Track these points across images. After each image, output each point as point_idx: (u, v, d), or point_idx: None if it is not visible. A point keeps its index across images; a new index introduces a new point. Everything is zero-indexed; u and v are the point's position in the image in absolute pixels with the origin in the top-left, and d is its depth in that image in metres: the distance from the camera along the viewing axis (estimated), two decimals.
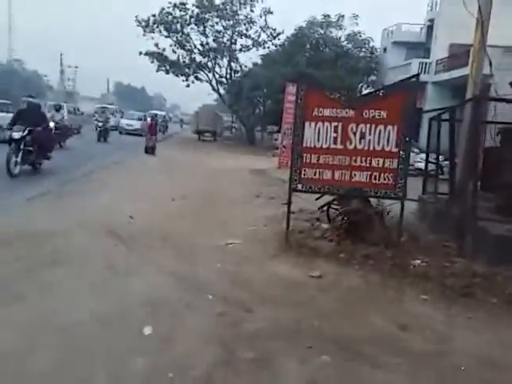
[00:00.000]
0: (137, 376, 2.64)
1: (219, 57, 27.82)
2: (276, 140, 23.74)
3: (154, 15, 25.88)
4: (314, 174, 4.87)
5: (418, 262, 4.71)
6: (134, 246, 5.07)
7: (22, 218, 5.88)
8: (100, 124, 20.30)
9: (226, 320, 3.44)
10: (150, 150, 16.60)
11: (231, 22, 26.74)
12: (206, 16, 26.22)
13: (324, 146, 4.81)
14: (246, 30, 27.17)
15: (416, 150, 11.89)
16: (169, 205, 7.46)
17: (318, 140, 4.80)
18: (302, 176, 4.90)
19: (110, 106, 35.19)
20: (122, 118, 31.38)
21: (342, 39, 22.99)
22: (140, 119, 29.70)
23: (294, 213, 6.27)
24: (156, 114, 24.46)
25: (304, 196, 5.54)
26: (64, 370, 2.66)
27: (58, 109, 16.10)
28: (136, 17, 25.89)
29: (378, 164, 4.73)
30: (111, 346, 2.95)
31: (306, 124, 4.79)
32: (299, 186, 4.95)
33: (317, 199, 5.47)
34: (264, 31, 27.25)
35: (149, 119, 24.92)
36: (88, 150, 15.94)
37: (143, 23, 25.90)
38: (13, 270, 4.07)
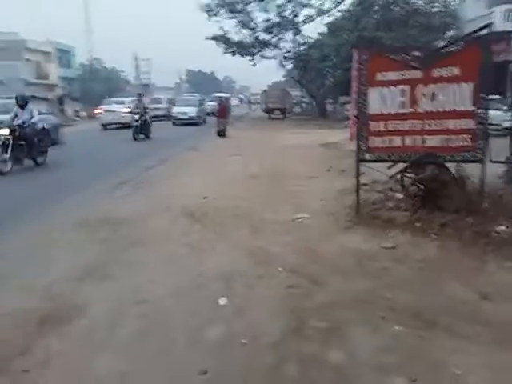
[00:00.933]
0: (212, 342, 2.83)
1: (283, 31, 27.30)
2: (347, 111, 22.98)
3: None
4: (383, 142, 4.67)
5: (503, 228, 4.35)
6: (209, 224, 5.32)
7: (105, 205, 6.45)
8: (136, 117, 15.84)
9: (296, 292, 3.51)
10: (221, 133, 17.08)
11: None
12: None
13: (391, 112, 4.57)
14: None
15: (504, 108, 10.76)
16: (241, 183, 7.65)
17: (385, 106, 4.57)
18: (370, 145, 4.72)
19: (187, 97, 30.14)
20: (174, 104, 26.58)
21: None
22: (197, 105, 25.08)
23: (367, 184, 6.11)
24: (221, 97, 23.02)
25: (376, 166, 5.36)
26: (146, 338, 2.93)
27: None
28: (199, 2, 26.31)
29: (453, 126, 4.40)
30: (189, 316, 3.18)
31: (370, 90, 4.58)
32: (367, 156, 4.79)
33: (389, 168, 5.24)
34: None
35: (212, 103, 25.43)
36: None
37: (206, 8, 26.24)
38: (99, 251, 4.51)
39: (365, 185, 5.97)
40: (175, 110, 24.69)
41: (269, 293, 3.52)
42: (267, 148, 13.10)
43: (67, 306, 3.39)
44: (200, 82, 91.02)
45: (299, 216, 5.39)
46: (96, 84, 41.59)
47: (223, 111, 17.71)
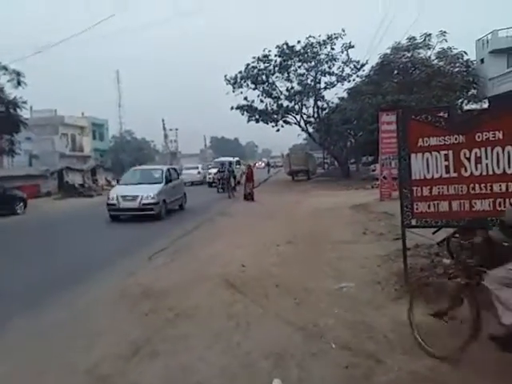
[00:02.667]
0: None
1: (305, 98, 28.47)
2: (374, 171, 23.04)
3: (240, 72, 27.73)
4: (429, 207, 4.56)
5: None
6: (250, 294, 5.18)
7: (145, 275, 6.42)
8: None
9: (355, 372, 3.28)
10: (248, 197, 17.31)
11: (313, 63, 27.42)
12: (289, 63, 27.29)
13: (436, 177, 4.51)
14: (329, 67, 27.60)
15: None
16: (276, 250, 7.55)
17: (428, 171, 4.52)
18: (415, 210, 4.62)
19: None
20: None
21: (432, 58, 22.03)
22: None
23: (410, 249, 5.91)
24: (222, 163, 24.65)
25: (418, 229, 5.20)
26: None
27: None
28: (225, 76, 27.98)
29: (501, 189, 4.28)
30: None
31: (412, 156, 4.57)
32: (413, 222, 4.67)
33: (433, 233, 5.08)
34: (347, 65, 27.44)
35: (214, 170, 26.33)
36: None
37: (232, 81, 27.82)
38: (143, 325, 4.42)
39: (408, 249, 5.77)
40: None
41: (325, 374, 3.30)
42: (296, 211, 13.09)
43: None
44: (223, 147, 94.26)
45: (343, 285, 5.20)
46: (127, 154, 43.54)
47: (250, 175, 18.21)
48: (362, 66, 27.01)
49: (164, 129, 58.15)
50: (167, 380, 3.34)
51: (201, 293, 5.36)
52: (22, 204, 17.41)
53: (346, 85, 27.88)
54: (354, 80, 27.48)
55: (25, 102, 20.42)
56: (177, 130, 60.53)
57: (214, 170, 25.62)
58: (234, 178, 22.66)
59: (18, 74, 19.53)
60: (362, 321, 4.19)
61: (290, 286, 5.36)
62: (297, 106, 28.87)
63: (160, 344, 3.96)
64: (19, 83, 19.55)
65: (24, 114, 21.87)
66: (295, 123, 29.71)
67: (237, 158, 33.48)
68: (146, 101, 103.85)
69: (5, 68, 19.31)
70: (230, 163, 25.76)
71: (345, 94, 28.22)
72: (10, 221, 15.33)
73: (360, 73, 27.22)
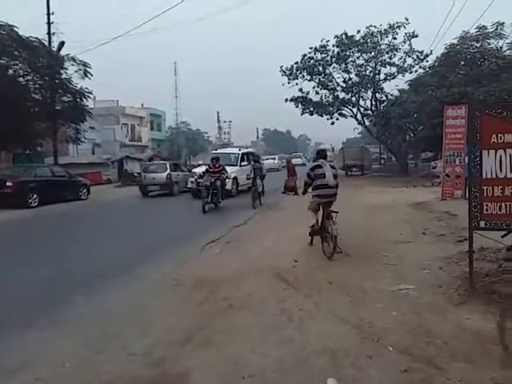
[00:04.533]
0: None
1: (363, 90, 27.59)
2: (434, 168, 21.94)
3: (296, 62, 27.37)
4: (500, 209, 4.25)
5: None
6: (302, 289, 5.12)
7: (199, 264, 6.55)
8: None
9: (414, 377, 3.14)
10: (289, 190, 17.20)
11: (373, 54, 26.48)
12: (347, 53, 26.53)
13: (509, 176, 4.19)
14: (390, 58, 26.52)
15: None
16: None
17: (501, 170, 4.21)
18: (484, 211, 4.32)
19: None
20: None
21: (504, 48, 20.45)
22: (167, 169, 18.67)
23: (474, 252, 5.56)
24: (216, 157, 14.15)
25: (484, 232, 4.87)
26: None
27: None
28: (281, 67, 27.76)
29: None
30: None
31: (484, 153, 4.26)
32: (482, 224, 4.37)
33: (503, 236, 4.74)
34: (409, 56, 26.20)
35: (200, 169, 21.00)
36: None
37: (287, 72, 27.56)
38: (197, 314, 4.50)
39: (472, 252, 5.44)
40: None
41: (382, 377, 3.18)
42: (351, 207, 12.71)
43: (170, 374, 3.34)
44: (275, 140, 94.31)
45: (402, 287, 4.98)
46: (181, 145, 44.80)
47: (291, 169, 18.33)
48: (426, 56, 25.69)
49: (218, 121, 59.13)
50: (219, 369, 3.38)
51: (253, 285, 5.37)
52: (85, 190, 18.47)
53: (408, 76, 26.66)
54: (416, 71, 26.23)
55: (90, 93, 21.42)
56: (230, 122, 61.34)
57: (201, 170, 15.92)
58: (262, 177, 15.73)
59: (85, 64, 20.53)
60: (421, 325, 4.00)
61: (344, 284, 5.24)
62: (354, 98, 28.08)
63: (213, 333, 4.01)
64: (86, 74, 20.56)
65: (89, 104, 22.98)
66: (351, 116, 28.95)
67: (250, 149, 24.43)
68: (202, 93, 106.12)
69: (73, 59, 20.36)
70: (247, 157, 18.13)
71: (405, 86, 27.07)
72: (75, 206, 16.34)
73: (423, 64, 25.92)
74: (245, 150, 20.51)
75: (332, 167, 6.88)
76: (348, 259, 6.42)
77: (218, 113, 58.41)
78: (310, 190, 7.04)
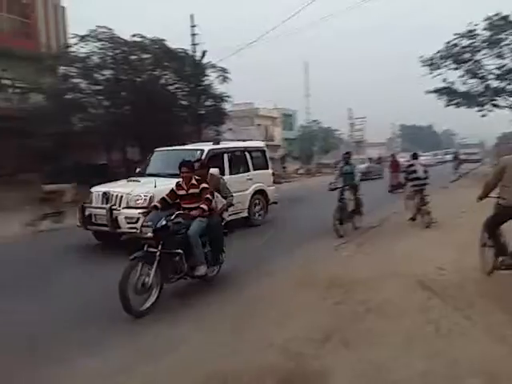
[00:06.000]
0: None
1: None
2: None
3: (438, 51, 25.05)
4: None
5: None
6: (451, 301, 4.60)
7: (332, 264, 6.40)
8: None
9: None
10: (396, 187, 16.03)
11: None
12: (501, 36, 23.27)
13: None
14: None
15: None
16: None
17: None
18: None
19: None
20: None
21: None
22: None
23: None
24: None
25: None
26: None
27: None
28: (420, 57, 25.73)
29: None
30: None
31: None
32: None
33: None
34: None
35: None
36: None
37: (428, 62, 25.40)
38: (333, 315, 4.39)
39: None
40: None
41: None
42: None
43: (308, 370, 3.31)
44: (414, 136, 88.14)
45: None
46: (313, 143, 44.96)
47: (396, 165, 17.81)
48: None
49: (350, 118, 57.67)
50: (361, 373, 3.24)
51: (392, 290, 5.04)
52: None
53: None
54: None
55: (228, 96, 22.94)
56: (364, 118, 59.24)
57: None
58: (355, 187, 9.17)
59: (224, 70, 22.05)
60: None
61: (503, 299, 4.53)
62: (510, 87, 24.49)
63: (350, 336, 3.86)
64: (225, 79, 22.06)
65: (227, 107, 24.58)
66: (508, 106, 25.29)
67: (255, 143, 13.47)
68: (333, 90, 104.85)
69: (213, 66, 22.05)
70: (239, 158, 10.37)
71: None
72: None
73: None
74: (232, 145, 10.96)
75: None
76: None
77: (350, 110, 57.01)
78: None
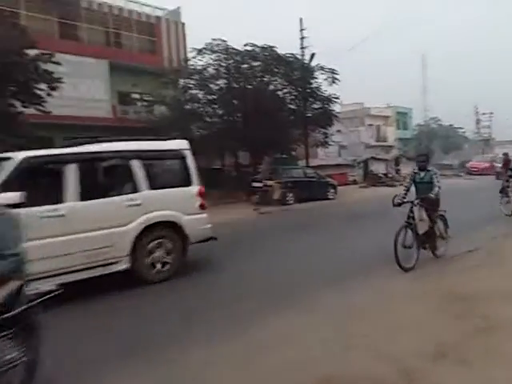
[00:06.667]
0: None
1: None
2: None
3: None
4: None
5: None
6: None
7: (455, 274, 5.84)
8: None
9: None
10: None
11: None
12: None
13: None
14: None
15: None
16: None
17: None
18: None
19: None
20: None
21: None
22: None
23: None
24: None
25: None
26: None
27: None
28: None
29: None
30: None
31: None
32: None
33: None
34: None
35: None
36: None
37: None
38: (452, 329, 4.02)
39: None
40: None
41: None
42: None
43: None
44: None
45: None
46: (432, 143, 41.80)
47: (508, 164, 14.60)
48: None
49: (476, 113, 52.24)
50: None
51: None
52: (333, 190, 19.72)
53: None
54: None
55: (337, 98, 22.56)
56: (491, 114, 53.16)
57: None
58: (432, 202, 6.62)
59: (333, 72, 21.74)
60: None
61: None
62: None
63: (470, 354, 3.46)
64: (334, 81, 21.74)
65: (336, 108, 24.20)
66: None
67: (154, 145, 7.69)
68: (454, 85, 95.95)
69: (322, 68, 21.89)
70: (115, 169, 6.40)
71: None
72: (324, 204, 17.45)
73: None
74: (99, 148, 6.31)
75: None
76: None
77: (475, 106, 51.64)
78: None
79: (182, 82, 20.86)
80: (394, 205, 6.38)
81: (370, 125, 42.14)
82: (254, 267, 6.89)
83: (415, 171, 6.84)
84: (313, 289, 5.47)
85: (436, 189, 6.49)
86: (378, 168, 29.23)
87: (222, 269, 6.89)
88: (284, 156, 24.92)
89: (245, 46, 19.80)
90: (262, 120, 18.55)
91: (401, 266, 6.01)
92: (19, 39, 12.48)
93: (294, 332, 4.15)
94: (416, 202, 6.42)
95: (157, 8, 24.13)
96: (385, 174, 28.34)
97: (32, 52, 13.03)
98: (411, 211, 6.36)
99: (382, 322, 4.33)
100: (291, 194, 17.43)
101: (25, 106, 13.48)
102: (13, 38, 12.23)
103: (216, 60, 19.83)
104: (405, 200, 6.41)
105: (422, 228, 6.49)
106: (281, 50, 20.34)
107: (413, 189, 6.75)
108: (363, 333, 4.05)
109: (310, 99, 22.15)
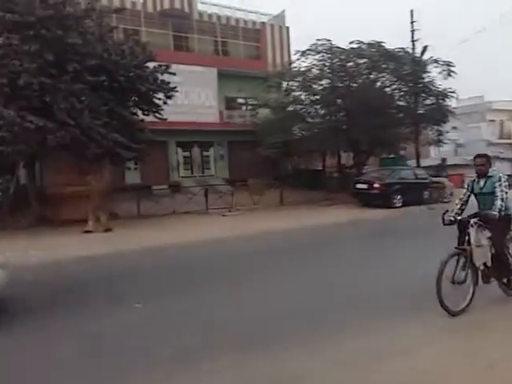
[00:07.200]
0: None
1: None
2: None
3: None
4: None
5: None
6: None
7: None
8: None
9: None
10: None
11: None
12: None
13: None
14: None
15: None
16: None
17: None
18: None
19: None
20: None
21: None
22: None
23: None
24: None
25: None
26: None
27: None
28: None
29: None
30: None
31: None
32: None
33: None
34: None
35: None
36: None
37: None
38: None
39: None
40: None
41: None
42: None
43: None
44: None
45: None
46: None
47: None
48: None
49: None
50: None
51: None
52: (447, 193, 18.32)
53: None
54: None
55: (453, 92, 20.66)
56: None
57: None
58: (497, 221, 4.59)
59: (449, 64, 19.95)
60: None
61: None
62: None
63: None
64: (449, 74, 19.95)
65: (451, 103, 22.25)
66: None
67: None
68: None
69: (435, 61, 20.23)
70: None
71: None
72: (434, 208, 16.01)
73: None
74: None
75: None
76: None
77: None
78: None
79: (285, 84, 21.05)
80: (445, 224, 4.73)
81: (493, 120, 37.83)
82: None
83: (473, 179, 5.00)
84: None
85: (498, 202, 4.60)
86: (502, 168, 26.15)
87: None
88: (392, 156, 23.67)
89: (350, 43, 19.23)
90: (368, 119, 17.81)
91: (449, 310, 4.36)
92: (141, 55, 13.77)
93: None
94: (473, 220, 4.62)
95: (262, 14, 24.74)
96: (510, 175, 25.21)
97: (151, 64, 14.27)
98: (465, 233, 4.61)
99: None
100: (399, 197, 16.44)
101: (145, 114, 14.83)
102: (136, 54, 13.55)
103: (320, 60, 19.58)
104: (458, 218, 4.70)
105: (481, 257, 4.63)
106: (388, 45, 19.35)
107: (475, 203, 5.02)
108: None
109: (422, 95, 20.70)
